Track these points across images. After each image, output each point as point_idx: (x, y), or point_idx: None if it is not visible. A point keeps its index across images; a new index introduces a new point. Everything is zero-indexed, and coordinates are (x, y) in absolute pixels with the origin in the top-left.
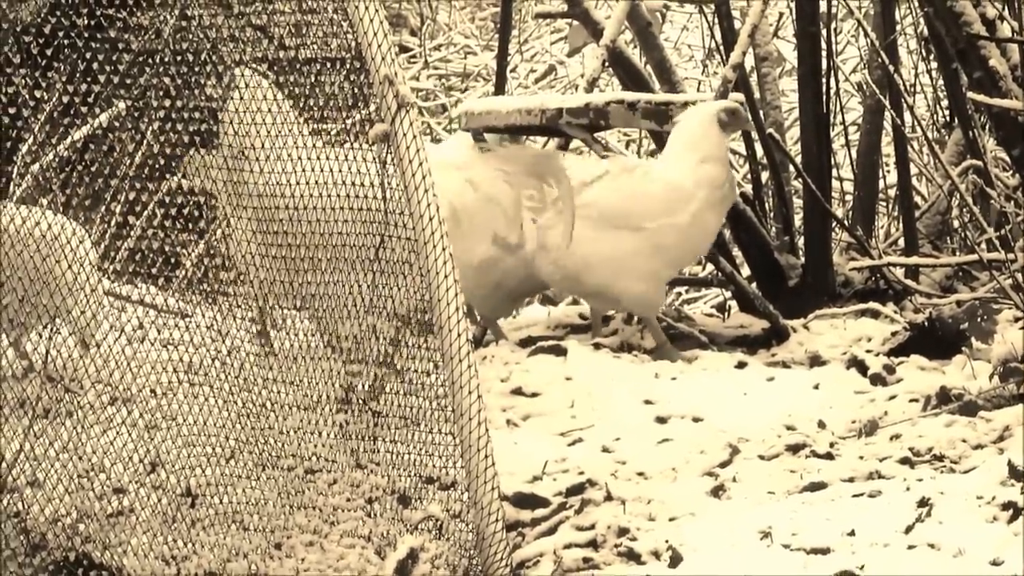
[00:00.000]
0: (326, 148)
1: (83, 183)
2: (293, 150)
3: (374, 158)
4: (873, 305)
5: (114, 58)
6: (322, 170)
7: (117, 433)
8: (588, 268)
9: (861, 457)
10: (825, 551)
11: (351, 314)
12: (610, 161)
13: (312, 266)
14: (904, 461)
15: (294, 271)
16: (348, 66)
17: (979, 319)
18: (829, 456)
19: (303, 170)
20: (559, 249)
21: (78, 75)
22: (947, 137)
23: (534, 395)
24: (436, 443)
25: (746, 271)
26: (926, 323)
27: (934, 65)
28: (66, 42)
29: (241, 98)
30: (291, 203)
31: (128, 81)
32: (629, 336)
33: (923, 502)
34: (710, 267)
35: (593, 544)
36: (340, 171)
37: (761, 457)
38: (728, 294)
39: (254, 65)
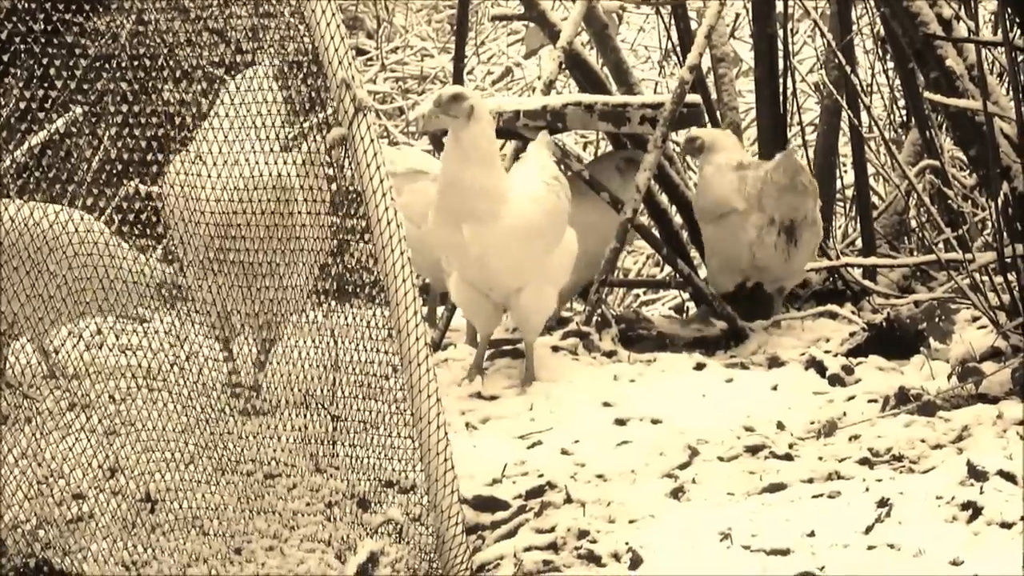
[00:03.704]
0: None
1: (40, 189)
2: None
3: (331, 162)
4: (831, 306)
5: (71, 63)
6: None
7: (76, 439)
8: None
9: (820, 458)
10: (785, 552)
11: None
12: None
13: (270, 271)
14: (863, 462)
15: (252, 276)
16: (305, 70)
17: (937, 319)
18: (788, 457)
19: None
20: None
21: (35, 80)
22: (904, 137)
23: (493, 398)
24: (395, 447)
25: (704, 272)
26: (884, 324)
27: (891, 65)
28: (23, 47)
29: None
30: (249, 207)
31: (85, 86)
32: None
33: (882, 502)
34: (668, 269)
35: (553, 547)
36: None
37: (720, 459)
38: (686, 296)
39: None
